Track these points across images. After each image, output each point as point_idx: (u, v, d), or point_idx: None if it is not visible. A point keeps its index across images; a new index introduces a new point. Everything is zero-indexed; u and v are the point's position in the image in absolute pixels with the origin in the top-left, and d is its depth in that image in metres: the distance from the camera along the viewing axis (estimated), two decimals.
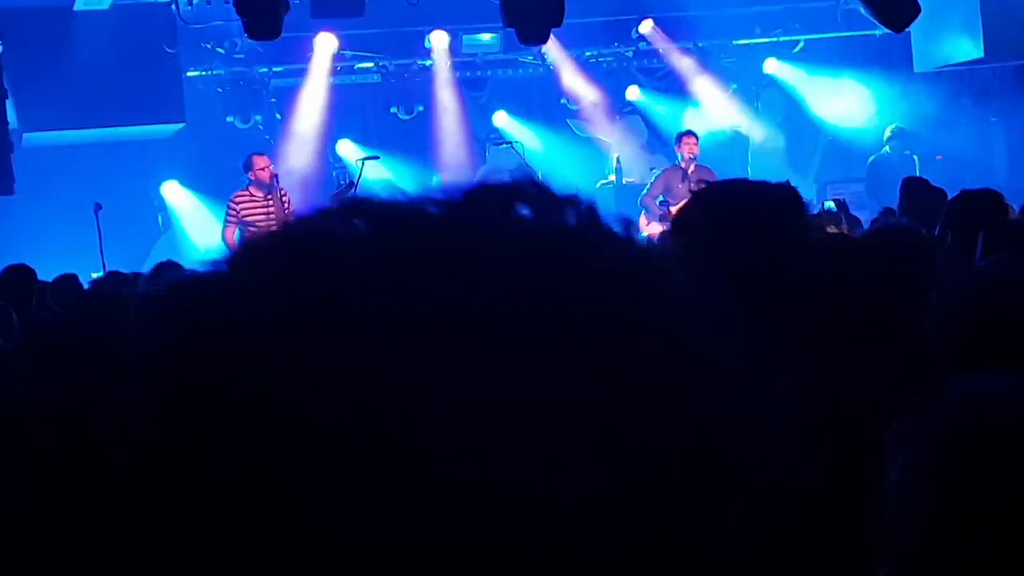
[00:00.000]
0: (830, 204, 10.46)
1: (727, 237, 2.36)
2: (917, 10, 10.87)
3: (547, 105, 17.55)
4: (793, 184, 8.41)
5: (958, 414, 1.42)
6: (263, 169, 12.19)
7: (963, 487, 1.38)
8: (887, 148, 15.46)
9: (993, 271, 3.83)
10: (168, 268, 8.27)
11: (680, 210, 2.56)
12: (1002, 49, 14.28)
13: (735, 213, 2.40)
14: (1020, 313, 2.77)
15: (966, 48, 14.96)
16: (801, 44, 17.50)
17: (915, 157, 15.19)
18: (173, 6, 14.20)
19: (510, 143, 15.79)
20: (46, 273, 8.47)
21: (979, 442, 1.38)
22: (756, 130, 17.75)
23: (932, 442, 1.42)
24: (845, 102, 17.38)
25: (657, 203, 13.51)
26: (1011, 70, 14.21)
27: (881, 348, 2.73)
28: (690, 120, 16.56)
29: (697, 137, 13.72)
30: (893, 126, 15.67)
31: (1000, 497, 1.37)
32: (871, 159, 15.52)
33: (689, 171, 13.38)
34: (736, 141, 17.36)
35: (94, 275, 10.50)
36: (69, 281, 7.83)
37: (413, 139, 16.76)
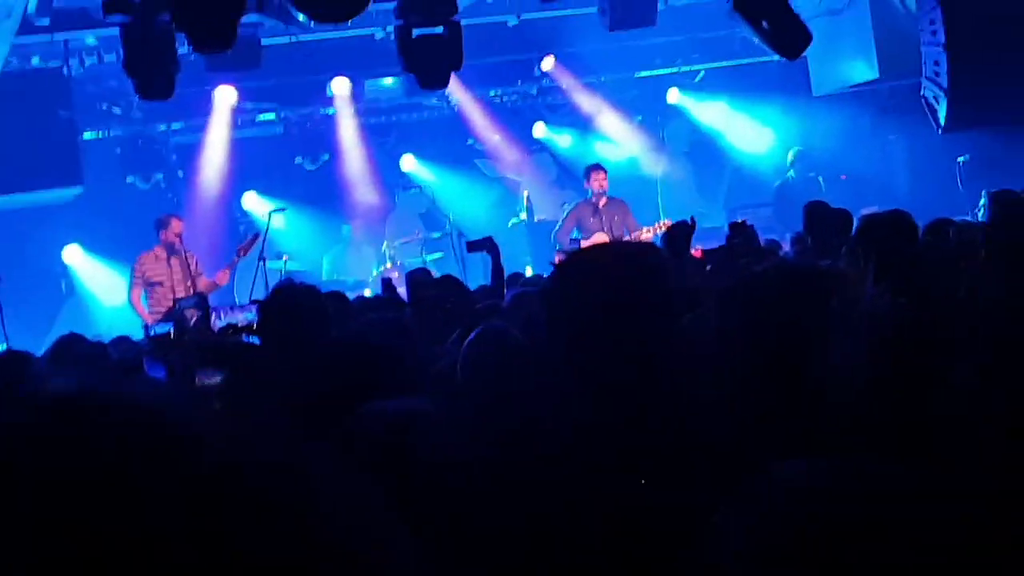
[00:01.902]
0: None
1: (594, 313, 2.30)
2: (809, 37, 10.97)
3: (454, 146, 17.53)
4: (699, 212, 8.34)
5: (769, 504, 1.39)
6: (176, 232, 12.03)
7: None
8: (791, 172, 15.66)
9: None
10: (71, 341, 8.09)
11: (544, 287, 2.49)
12: (896, 68, 14.50)
13: (599, 287, 2.34)
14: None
15: (861, 70, 15.19)
16: (702, 74, 17.68)
17: (819, 179, 15.39)
18: (65, 69, 13.99)
19: (419, 187, 15.75)
20: None
21: (786, 533, 1.35)
22: (662, 161, 17.86)
23: (746, 533, 1.38)
24: (748, 128, 17.58)
25: (571, 238, 13.51)
26: (906, 88, 14.42)
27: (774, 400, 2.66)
28: (598, 154, 16.64)
29: (606, 170, 13.76)
30: (795, 149, 15.88)
31: None
32: (777, 183, 15.71)
33: (600, 205, 13.42)
34: (645, 172, 17.46)
35: None
36: None
37: (320, 188, 16.63)
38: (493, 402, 4.10)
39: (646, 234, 12.81)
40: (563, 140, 17.77)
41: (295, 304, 5.33)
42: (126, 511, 0.75)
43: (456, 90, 16.39)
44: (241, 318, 6.60)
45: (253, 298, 10.24)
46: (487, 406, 4.14)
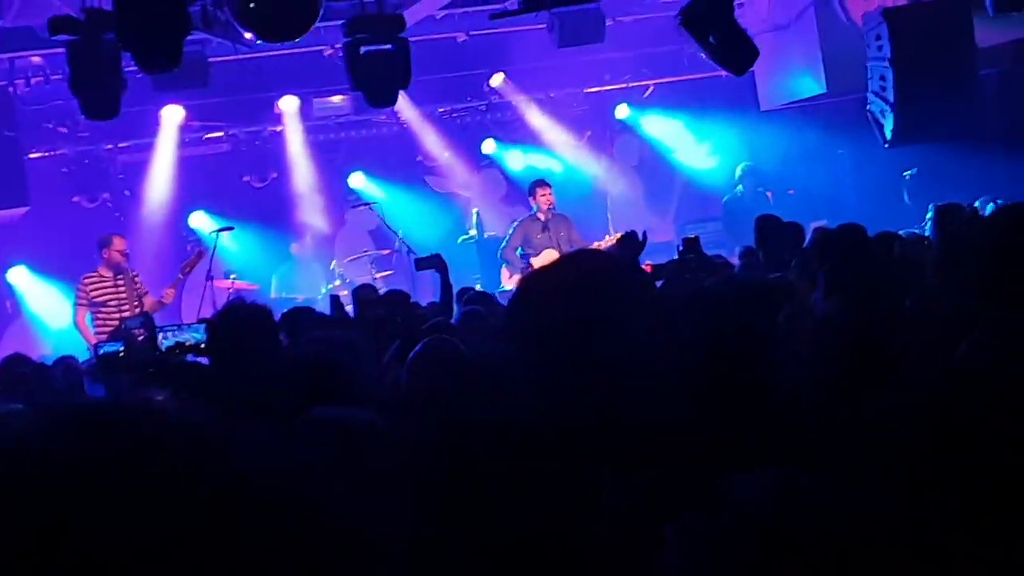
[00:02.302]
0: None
1: (560, 326, 2.29)
2: (755, 53, 11.05)
3: (404, 163, 17.49)
4: (649, 227, 8.35)
5: (724, 516, 1.39)
6: (119, 251, 11.92)
7: None
8: (740, 187, 15.75)
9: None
10: (16, 362, 8.01)
11: (511, 301, 2.47)
12: (843, 83, 14.62)
13: (564, 300, 2.33)
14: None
15: (808, 85, 15.31)
16: (651, 89, 17.75)
17: (768, 193, 15.48)
18: (10, 88, 13.86)
19: (368, 204, 15.69)
20: None
21: (743, 546, 1.35)
22: (611, 176, 17.94)
23: (703, 544, 1.38)
24: (697, 144, 17.68)
25: (518, 255, 13.52)
26: (852, 103, 14.54)
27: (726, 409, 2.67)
28: (547, 170, 16.68)
29: (551, 186, 13.79)
30: (743, 164, 15.98)
31: None
32: (725, 198, 15.79)
33: (543, 220, 13.44)
34: (595, 188, 17.54)
35: None
36: None
37: (269, 206, 16.54)
38: (438, 412, 4.09)
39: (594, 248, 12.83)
40: (512, 156, 17.78)
41: (245, 323, 5.29)
42: (159, 518, 0.77)
43: (405, 107, 16.37)
44: (188, 337, 6.53)
45: (200, 317, 10.18)
46: (432, 415, 4.13)
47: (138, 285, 12.01)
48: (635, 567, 1.89)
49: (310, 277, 15.92)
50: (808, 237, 10.08)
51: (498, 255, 13.88)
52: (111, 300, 11.80)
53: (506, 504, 2.30)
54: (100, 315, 11.78)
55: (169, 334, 6.63)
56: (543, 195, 13.53)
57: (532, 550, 2.21)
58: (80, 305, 11.89)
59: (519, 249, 13.50)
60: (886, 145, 12.98)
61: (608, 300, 2.31)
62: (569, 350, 2.27)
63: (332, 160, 17.21)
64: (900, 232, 9.39)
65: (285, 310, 7.88)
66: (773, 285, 6.32)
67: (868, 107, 13.05)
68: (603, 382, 2.22)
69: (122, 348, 8.10)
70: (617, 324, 2.27)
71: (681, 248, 9.40)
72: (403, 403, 4.58)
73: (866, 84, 13.06)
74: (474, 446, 2.73)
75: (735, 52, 10.92)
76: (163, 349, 6.58)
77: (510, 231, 13.95)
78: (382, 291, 11.24)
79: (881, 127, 12.85)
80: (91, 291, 11.85)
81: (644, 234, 8.57)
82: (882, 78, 12.65)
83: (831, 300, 5.12)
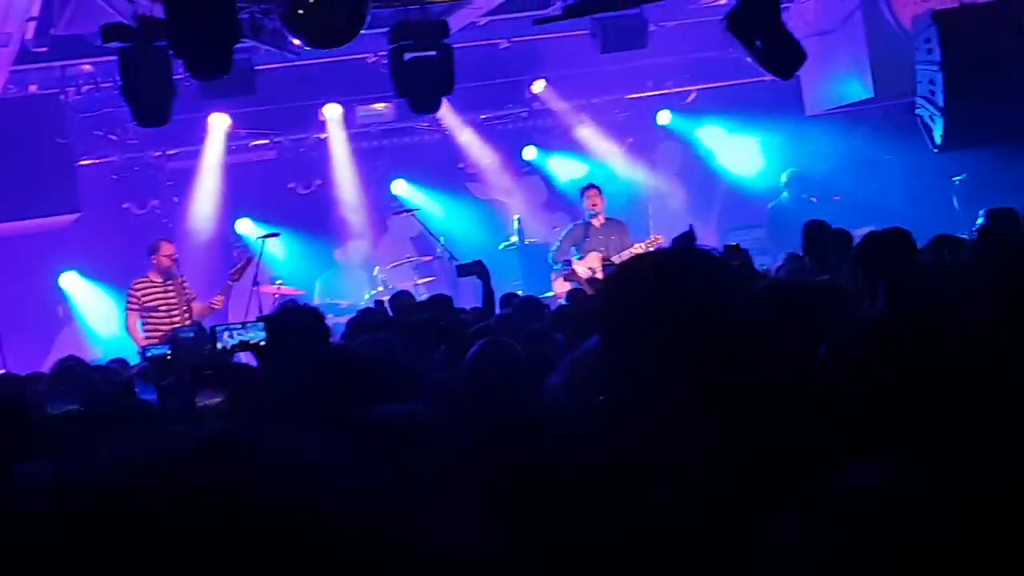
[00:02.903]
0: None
1: (651, 316, 2.29)
2: (802, 57, 10.99)
3: (445, 170, 17.54)
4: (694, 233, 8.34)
5: (840, 506, 1.39)
6: (168, 256, 12.06)
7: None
8: (785, 193, 15.66)
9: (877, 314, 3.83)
10: (70, 365, 8.10)
11: (601, 289, 2.48)
12: (891, 88, 14.53)
13: (657, 290, 2.33)
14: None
15: (855, 89, 15.23)
16: (693, 95, 17.72)
17: (813, 200, 15.38)
18: (62, 96, 14.02)
19: (411, 211, 15.74)
20: None
21: (854, 537, 1.35)
22: (653, 183, 17.92)
23: (812, 539, 1.38)
24: (740, 149, 17.62)
25: (563, 261, 13.55)
26: (900, 108, 14.46)
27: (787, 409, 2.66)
28: (589, 176, 16.67)
29: (600, 190, 13.79)
30: (789, 171, 15.88)
31: None
32: (770, 205, 15.70)
33: (596, 225, 13.44)
34: (637, 194, 17.52)
35: None
36: None
37: (313, 213, 16.65)
38: (498, 410, 4.11)
39: (637, 250, 12.81)
40: (554, 163, 17.80)
41: (298, 324, 5.35)
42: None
43: (447, 114, 16.43)
44: (252, 336, 6.60)
45: (259, 316, 10.27)
46: (491, 413, 4.15)
47: (187, 290, 12.13)
48: (730, 563, 1.89)
49: (354, 283, 16.00)
50: (856, 243, 10.04)
51: (549, 259, 13.90)
52: (161, 305, 11.93)
53: (578, 501, 2.30)
54: (151, 320, 11.91)
55: (235, 333, 6.69)
56: (591, 198, 13.54)
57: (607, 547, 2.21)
58: (131, 310, 12.02)
59: (572, 253, 13.50)
60: (935, 150, 12.91)
61: (708, 285, 2.31)
62: (670, 336, 2.26)
63: (375, 167, 17.30)
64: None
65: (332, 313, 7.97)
66: (826, 286, 6.30)
67: (917, 112, 12.98)
68: (709, 366, 2.22)
69: (169, 351, 8.20)
70: (719, 309, 2.27)
71: (724, 255, 9.35)
72: (459, 402, 4.60)
73: (915, 88, 12.99)
74: (533, 442, 2.75)
75: (782, 56, 10.87)
76: (228, 347, 6.65)
77: (561, 235, 13.96)
78: (424, 297, 11.31)
79: (930, 132, 12.78)
80: (141, 296, 11.97)
81: (692, 228, 8.58)
82: (931, 82, 12.58)
83: (883, 305, 5.09)
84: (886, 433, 2.35)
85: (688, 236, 8.49)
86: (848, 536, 1.38)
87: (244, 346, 6.59)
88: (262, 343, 6.43)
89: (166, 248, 12.20)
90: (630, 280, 2.44)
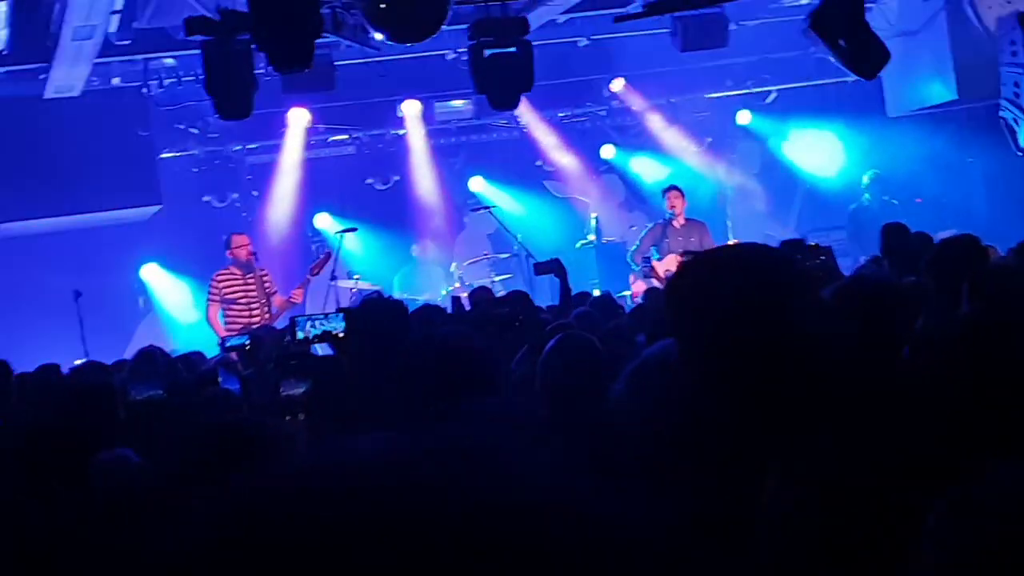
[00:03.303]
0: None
1: (718, 312, 2.27)
2: (886, 56, 10.86)
3: (523, 168, 17.56)
4: (769, 235, 8.37)
5: (988, 507, 1.36)
6: (240, 247, 12.20)
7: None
8: (867, 195, 15.50)
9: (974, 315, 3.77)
10: (151, 354, 8.20)
11: (669, 284, 2.44)
12: (974, 90, 14.34)
13: (725, 286, 2.30)
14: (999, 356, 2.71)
15: (939, 91, 15.04)
16: (773, 95, 17.59)
17: (894, 202, 15.21)
18: (144, 89, 14.20)
19: (488, 208, 15.76)
20: (28, 364, 8.36)
21: (1008, 535, 1.32)
22: (732, 183, 17.81)
23: (963, 536, 1.35)
24: (820, 150, 17.46)
25: (643, 260, 13.50)
26: (983, 110, 14.26)
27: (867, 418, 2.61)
28: (667, 175, 16.61)
29: (682, 191, 13.72)
30: (871, 173, 15.72)
31: None
32: (852, 207, 15.55)
33: (676, 225, 13.38)
34: (715, 194, 17.42)
35: (77, 362, 10.40)
36: (48, 372, 7.72)
37: (390, 209, 16.74)
38: (582, 404, 4.12)
39: None
40: (632, 162, 17.75)
41: (384, 317, 5.38)
42: None
43: (525, 111, 16.45)
44: (334, 327, 6.64)
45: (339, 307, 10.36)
46: (576, 407, 4.16)
47: (267, 284, 12.23)
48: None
49: (431, 279, 16.07)
50: (936, 247, 9.91)
51: (628, 259, 13.86)
52: (241, 297, 12.05)
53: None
54: (230, 312, 12.04)
55: (317, 323, 6.74)
56: (672, 199, 13.48)
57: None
58: (212, 301, 12.16)
59: (652, 253, 13.45)
60: (1019, 153, 12.72)
61: (777, 286, 2.28)
62: (740, 337, 2.23)
63: (452, 164, 17.36)
64: None
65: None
66: (910, 287, 6.24)
67: (1000, 114, 12.81)
68: (778, 369, 2.19)
69: (248, 342, 8.28)
70: (787, 311, 2.24)
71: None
72: (541, 396, 4.60)
73: (999, 90, 12.81)
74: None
75: (865, 56, 10.74)
76: (310, 337, 6.70)
77: (641, 235, 13.91)
78: (499, 295, 11.31)
79: (1014, 135, 12.61)
80: (223, 287, 12.10)
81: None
82: (1016, 84, 12.41)
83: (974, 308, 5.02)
84: (990, 435, 2.32)
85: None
86: (1004, 531, 1.35)
87: (324, 337, 6.63)
88: (341, 334, 6.47)
89: (237, 240, 12.34)
90: (686, 281, 2.40)
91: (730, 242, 13.06)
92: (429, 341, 4.04)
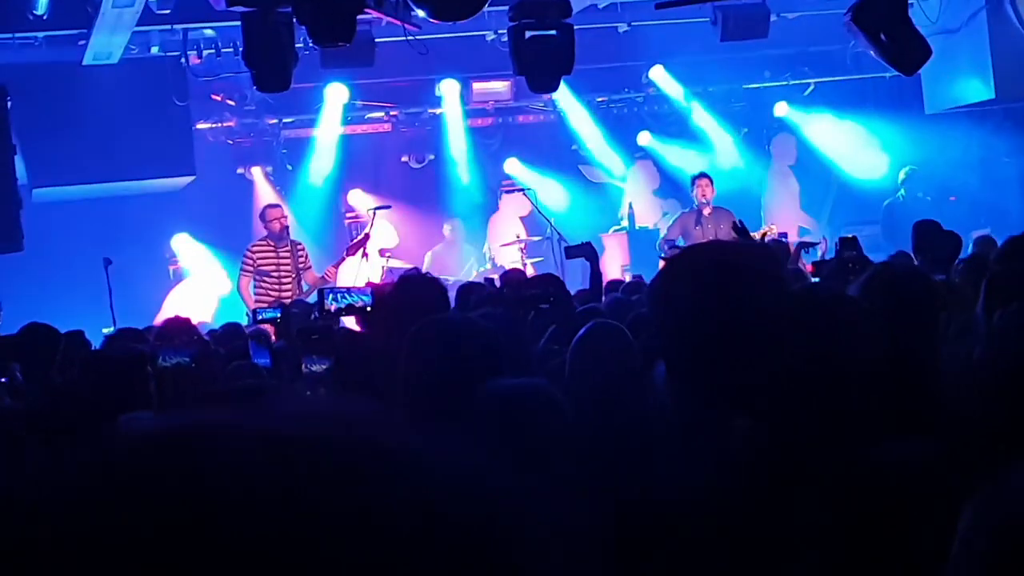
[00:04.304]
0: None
1: (703, 308, 2.28)
2: (928, 53, 10.79)
3: (558, 151, 17.53)
4: (807, 227, 8.37)
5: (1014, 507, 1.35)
6: (274, 220, 12.22)
7: None
8: (902, 191, 15.45)
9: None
10: (178, 324, 8.23)
11: (653, 281, 2.48)
12: (1012, 89, 14.27)
13: (707, 283, 2.32)
14: None
15: (977, 89, 14.95)
16: (811, 87, 17.51)
17: (928, 199, 15.15)
18: (183, 59, 14.23)
19: (522, 189, 15.75)
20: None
21: None
22: (767, 174, 17.75)
23: (989, 536, 1.34)
24: (857, 145, 17.37)
25: (669, 247, 13.47)
26: (1021, 110, 14.17)
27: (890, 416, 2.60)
28: (702, 164, 16.55)
29: (711, 179, 13.69)
30: (907, 168, 15.67)
31: None
32: (886, 202, 15.51)
33: (705, 214, 13.35)
34: (750, 185, 17.36)
35: (105, 331, 10.46)
36: (76, 338, 7.76)
37: (424, 187, 16.75)
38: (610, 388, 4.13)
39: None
40: (668, 149, 17.69)
41: (421, 295, 5.37)
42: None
43: (563, 95, 16.41)
44: (357, 300, 6.65)
45: (368, 282, 10.37)
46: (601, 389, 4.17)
47: (302, 259, 12.23)
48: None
49: (462, 259, 16.09)
50: (970, 246, 9.87)
51: (656, 246, 13.84)
52: (273, 270, 12.05)
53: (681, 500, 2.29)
54: (262, 284, 12.04)
55: (339, 296, 6.76)
56: (701, 187, 13.45)
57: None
58: (245, 271, 12.17)
59: (679, 241, 13.43)
60: None
61: (736, 287, 2.28)
62: (704, 340, 2.25)
63: (488, 145, 17.34)
64: None
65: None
66: (941, 284, 6.21)
67: None
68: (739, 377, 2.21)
69: (279, 315, 8.30)
70: (744, 315, 2.25)
71: (839, 247, 9.24)
72: (568, 380, 4.61)
73: None
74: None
75: (907, 51, 10.68)
76: (333, 311, 6.71)
77: (669, 222, 13.89)
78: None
79: None
80: (257, 258, 12.10)
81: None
82: None
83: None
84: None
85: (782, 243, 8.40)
86: None
87: (350, 309, 6.64)
88: (368, 307, 6.48)
89: (271, 213, 12.36)
90: (664, 282, 2.43)
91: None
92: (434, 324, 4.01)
